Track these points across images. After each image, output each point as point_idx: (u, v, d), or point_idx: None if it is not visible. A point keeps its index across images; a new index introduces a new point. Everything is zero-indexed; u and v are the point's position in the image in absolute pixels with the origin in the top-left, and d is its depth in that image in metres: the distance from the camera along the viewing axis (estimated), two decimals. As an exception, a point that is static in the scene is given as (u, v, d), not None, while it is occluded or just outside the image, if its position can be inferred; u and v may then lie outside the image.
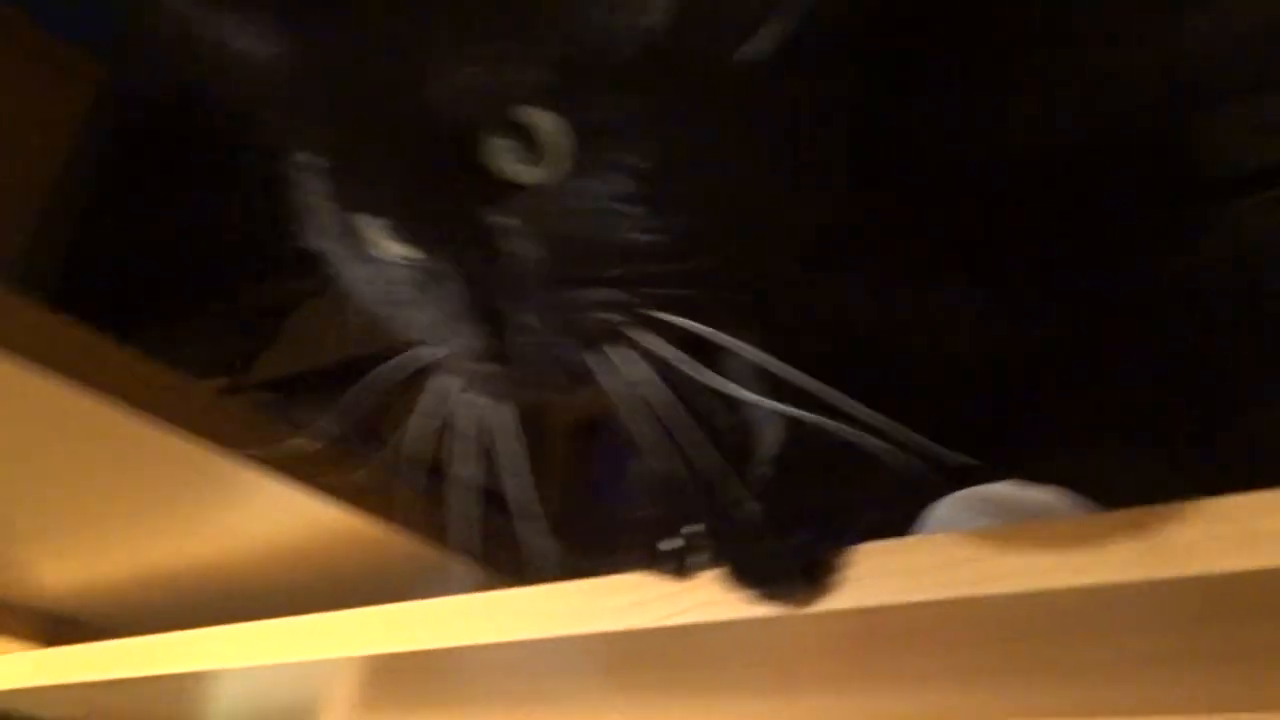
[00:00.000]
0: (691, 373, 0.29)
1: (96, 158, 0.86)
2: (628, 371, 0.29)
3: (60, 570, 0.62)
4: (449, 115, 0.27)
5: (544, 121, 0.27)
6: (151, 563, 0.59)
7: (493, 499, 0.34)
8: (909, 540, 0.35)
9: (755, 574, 0.34)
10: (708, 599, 0.37)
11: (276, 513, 0.52)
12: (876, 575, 0.35)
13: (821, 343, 0.34)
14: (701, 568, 0.36)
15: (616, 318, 0.28)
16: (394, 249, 0.31)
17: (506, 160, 0.28)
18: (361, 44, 0.28)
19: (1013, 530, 0.34)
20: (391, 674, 0.53)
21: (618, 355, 0.29)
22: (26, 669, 0.62)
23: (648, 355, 0.28)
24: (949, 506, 0.38)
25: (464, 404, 0.32)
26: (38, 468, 0.50)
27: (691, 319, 0.29)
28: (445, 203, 0.28)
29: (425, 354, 0.32)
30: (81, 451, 0.48)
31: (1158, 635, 0.37)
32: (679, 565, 0.37)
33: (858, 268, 0.34)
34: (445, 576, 0.49)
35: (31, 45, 0.74)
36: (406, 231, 0.30)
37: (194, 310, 0.87)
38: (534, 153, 0.27)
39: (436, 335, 0.31)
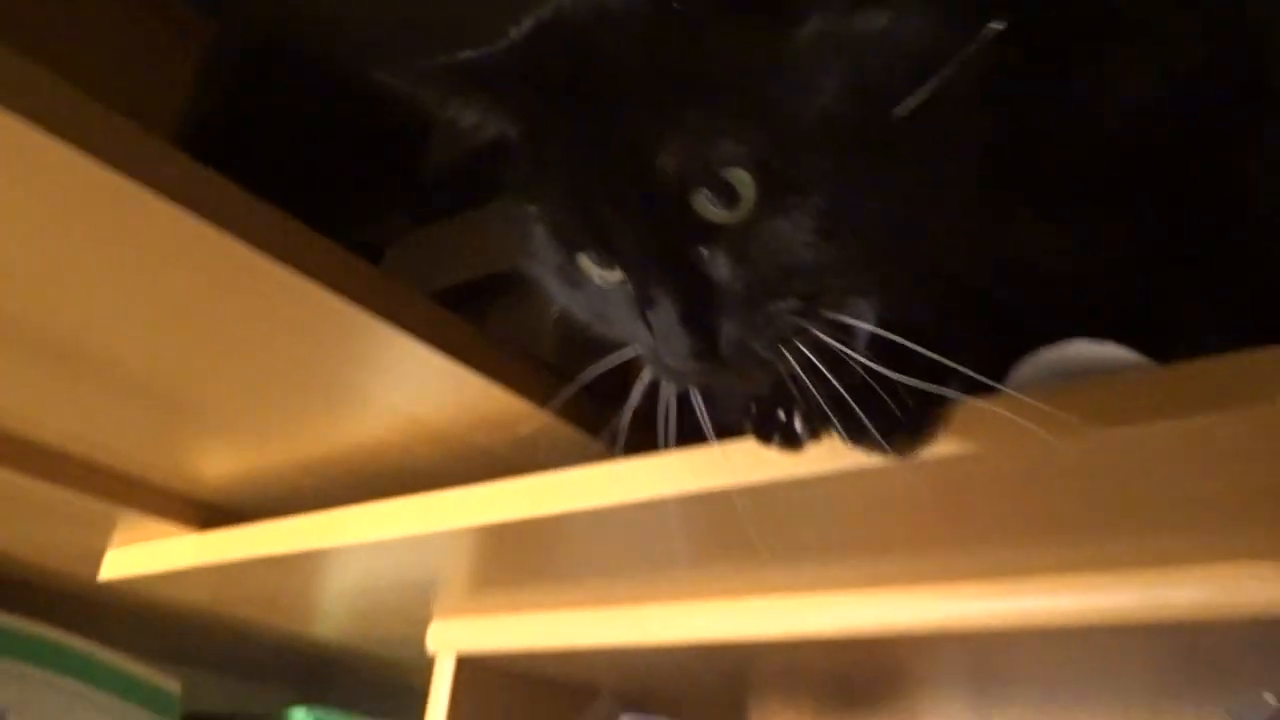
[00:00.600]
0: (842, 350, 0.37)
1: (209, 114, 0.89)
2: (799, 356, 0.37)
3: (218, 460, 0.68)
4: (672, 177, 0.36)
5: (741, 178, 0.35)
6: (304, 450, 0.64)
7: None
8: (999, 397, 0.38)
9: (865, 430, 0.39)
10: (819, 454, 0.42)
11: (426, 388, 0.57)
12: (970, 429, 0.39)
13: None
14: (810, 435, 0.42)
15: (800, 321, 0.36)
16: (610, 277, 0.39)
17: (711, 207, 0.36)
18: (600, 125, 0.37)
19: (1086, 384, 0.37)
20: (500, 546, 0.59)
21: (796, 346, 0.36)
22: (186, 551, 0.70)
23: (815, 343, 0.36)
24: (1030, 365, 0.41)
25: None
26: (205, 346, 0.55)
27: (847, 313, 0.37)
28: (664, 240, 0.37)
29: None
30: (252, 326, 0.52)
31: (1234, 476, 0.40)
32: (788, 432, 0.42)
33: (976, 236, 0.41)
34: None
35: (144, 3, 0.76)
36: (629, 264, 0.38)
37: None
38: (733, 201, 0.36)
39: (641, 340, 0.39)
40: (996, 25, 0.35)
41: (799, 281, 0.36)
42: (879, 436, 0.38)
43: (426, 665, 0.95)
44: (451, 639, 0.72)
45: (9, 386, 0.60)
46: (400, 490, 0.59)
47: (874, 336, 0.38)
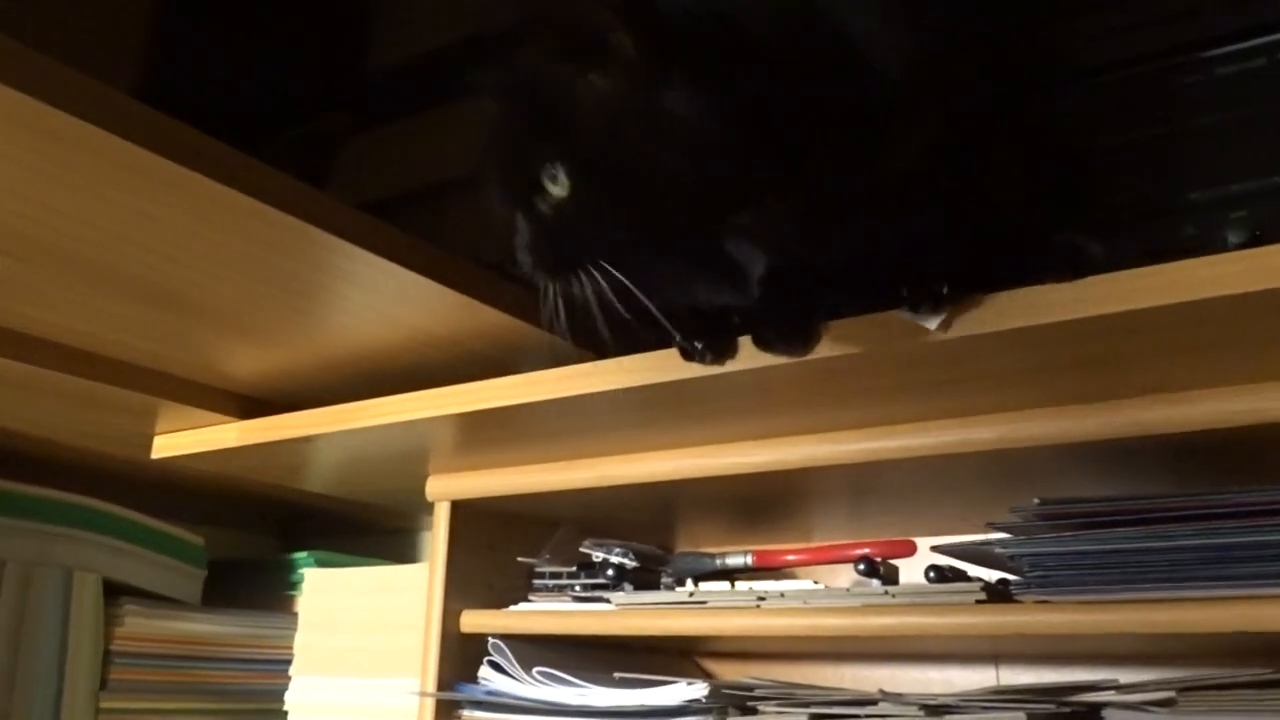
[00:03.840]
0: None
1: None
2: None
3: (244, 360, 0.84)
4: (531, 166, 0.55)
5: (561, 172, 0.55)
6: (320, 351, 0.81)
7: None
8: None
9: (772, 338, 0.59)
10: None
11: (405, 301, 0.73)
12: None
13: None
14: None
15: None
16: None
17: (550, 185, 0.55)
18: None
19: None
20: (481, 426, 0.78)
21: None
22: (231, 436, 0.87)
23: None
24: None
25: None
26: (220, 274, 0.69)
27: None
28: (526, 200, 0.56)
29: None
30: (261, 259, 0.66)
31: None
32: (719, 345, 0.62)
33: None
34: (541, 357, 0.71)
35: None
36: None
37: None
38: (559, 183, 0.55)
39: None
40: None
41: (593, 231, 0.55)
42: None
43: (415, 511, 1.15)
44: (446, 490, 0.92)
45: (62, 307, 0.75)
46: (416, 385, 0.77)
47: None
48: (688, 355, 0.63)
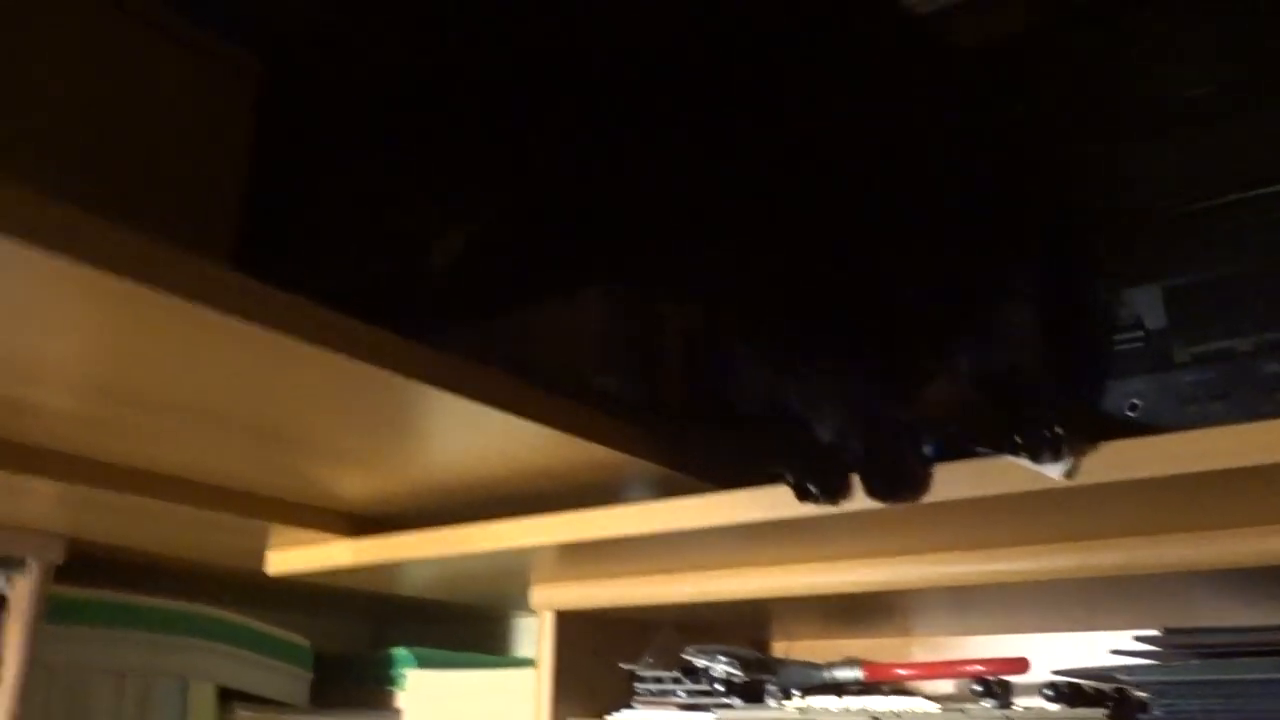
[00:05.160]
0: None
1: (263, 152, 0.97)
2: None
3: (353, 485, 0.86)
4: None
5: None
6: (424, 478, 0.83)
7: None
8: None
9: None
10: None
11: (505, 438, 0.75)
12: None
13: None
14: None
15: None
16: None
17: None
18: None
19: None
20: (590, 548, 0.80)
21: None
22: (343, 554, 0.90)
23: None
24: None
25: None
26: (320, 417, 0.71)
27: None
28: None
29: None
30: (361, 405, 0.68)
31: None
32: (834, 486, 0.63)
33: None
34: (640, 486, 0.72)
35: (194, 44, 0.80)
36: None
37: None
38: None
39: None
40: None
41: None
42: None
43: (513, 613, 1.17)
44: (550, 600, 0.93)
45: (178, 447, 0.77)
46: (525, 506, 0.79)
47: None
48: (803, 496, 0.64)
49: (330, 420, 0.72)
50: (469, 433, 0.73)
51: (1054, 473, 0.56)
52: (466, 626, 1.34)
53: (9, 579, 0.91)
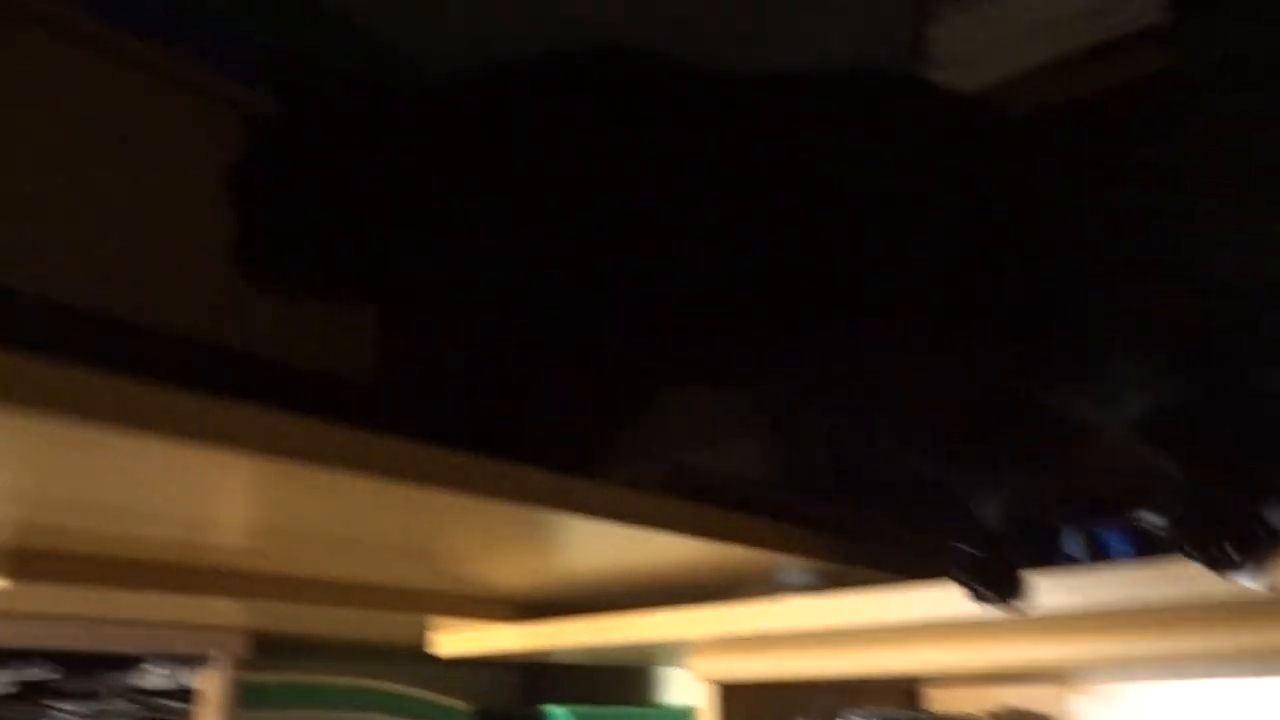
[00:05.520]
0: None
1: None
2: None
3: (512, 579, 0.90)
4: None
5: None
6: (580, 576, 0.86)
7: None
8: None
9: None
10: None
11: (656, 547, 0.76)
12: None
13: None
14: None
15: None
16: None
17: None
18: None
19: None
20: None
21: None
22: (510, 639, 0.93)
23: None
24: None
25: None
26: (473, 542, 0.74)
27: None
28: None
29: None
30: (512, 532, 0.71)
31: None
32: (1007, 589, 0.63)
33: None
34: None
35: (191, 79, 0.81)
36: None
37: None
38: None
39: None
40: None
41: None
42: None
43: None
44: (711, 672, 0.95)
45: (345, 562, 0.82)
46: (680, 594, 0.81)
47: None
48: (977, 598, 0.64)
49: (492, 546, 0.75)
50: (626, 544, 0.75)
51: (1255, 585, 0.54)
52: (614, 672, 1.36)
53: (199, 672, 0.97)
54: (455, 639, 0.99)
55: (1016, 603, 0.63)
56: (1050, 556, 0.76)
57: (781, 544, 0.75)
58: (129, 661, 0.94)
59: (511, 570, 0.85)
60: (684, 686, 1.28)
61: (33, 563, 0.71)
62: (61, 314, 0.70)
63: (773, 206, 0.63)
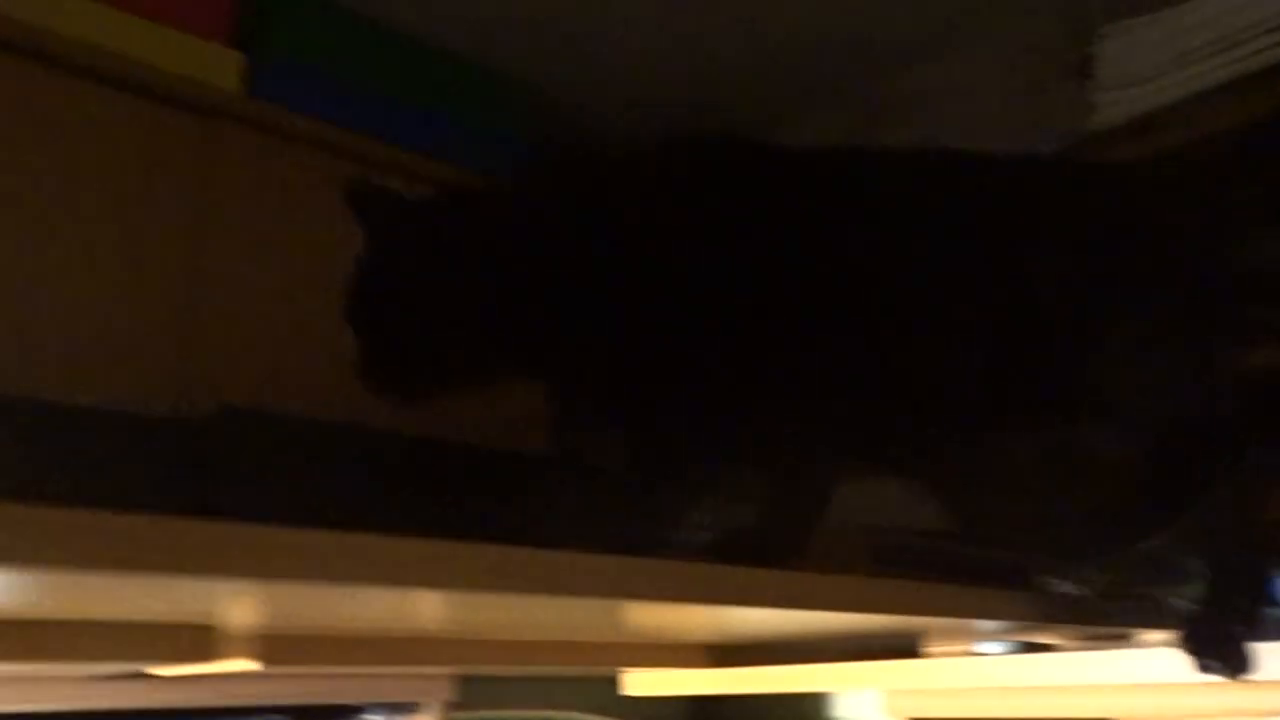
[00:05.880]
0: None
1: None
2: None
3: (707, 630, 0.93)
4: None
5: None
6: (769, 626, 0.89)
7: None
8: None
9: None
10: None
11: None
12: None
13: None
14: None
15: None
16: None
17: None
18: None
19: None
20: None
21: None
22: (703, 682, 0.97)
23: None
24: None
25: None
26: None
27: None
28: None
29: None
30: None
31: None
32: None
33: None
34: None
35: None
36: None
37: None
38: None
39: None
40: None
41: None
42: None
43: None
44: (900, 707, 0.97)
45: (550, 629, 0.86)
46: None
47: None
48: (1204, 669, 0.64)
49: (689, 614, 0.78)
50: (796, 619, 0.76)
51: None
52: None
53: (413, 718, 1.04)
54: (646, 680, 1.03)
55: (1243, 675, 0.63)
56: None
57: (978, 609, 0.76)
58: (351, 711, 1.01)
59: (702, 626, 0.89)
60: (857, 709, 1.30)
61: (277, 647, 0.78)
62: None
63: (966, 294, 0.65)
